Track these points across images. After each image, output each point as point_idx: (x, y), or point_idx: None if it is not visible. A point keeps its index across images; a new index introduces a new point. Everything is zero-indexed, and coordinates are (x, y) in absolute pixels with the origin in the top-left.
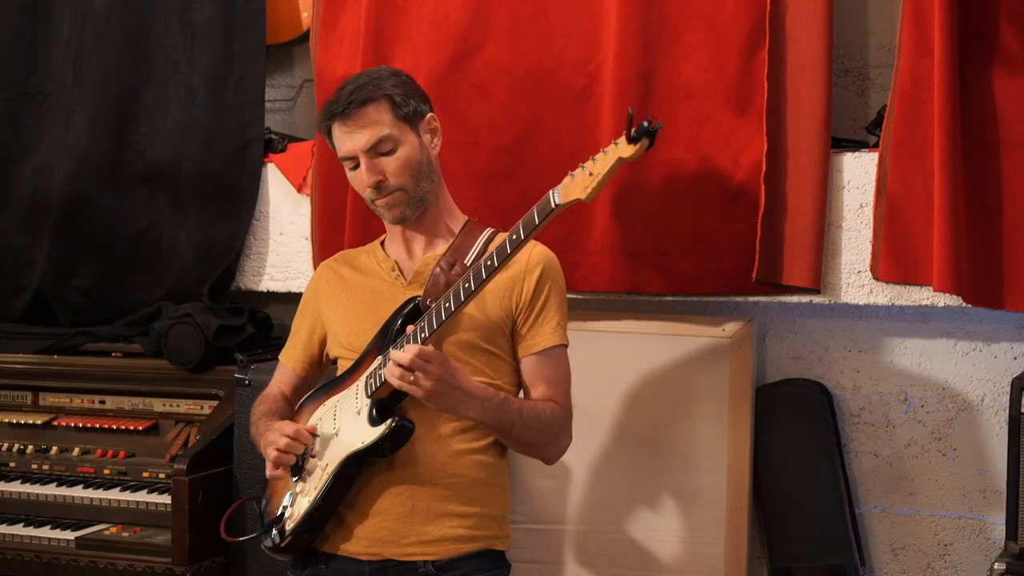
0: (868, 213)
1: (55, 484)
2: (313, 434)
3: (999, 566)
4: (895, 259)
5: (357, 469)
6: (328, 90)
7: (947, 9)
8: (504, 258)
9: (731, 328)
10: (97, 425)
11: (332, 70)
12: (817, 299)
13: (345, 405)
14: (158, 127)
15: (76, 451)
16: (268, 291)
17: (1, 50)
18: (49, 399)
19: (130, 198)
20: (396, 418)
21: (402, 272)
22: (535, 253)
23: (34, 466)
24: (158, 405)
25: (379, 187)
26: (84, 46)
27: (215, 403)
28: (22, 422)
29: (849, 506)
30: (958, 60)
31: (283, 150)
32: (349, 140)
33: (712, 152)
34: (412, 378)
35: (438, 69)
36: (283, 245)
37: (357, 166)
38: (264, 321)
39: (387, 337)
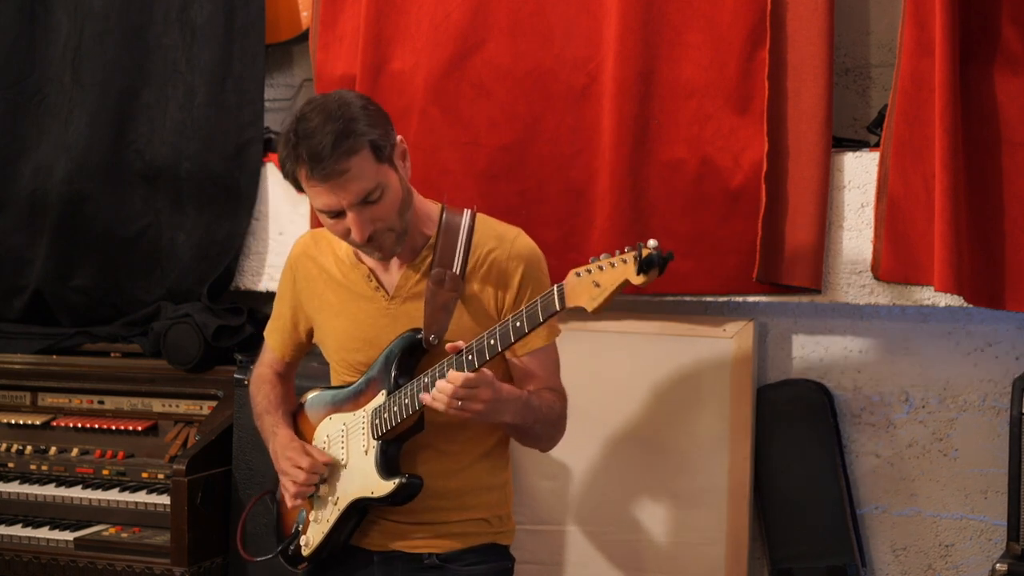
0: (869, 213)
1: (54, 485)
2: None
3: (1001, 567)
4: (896, 259)
5: (366, 508)
6: (329, 90)
7: (948, 8)
8: (507, 345)
9: (732, 328)
10: (96, 426)
11: (332, 69)
12: (818, 299)
13: (353, 435)
14: (157, 127)
15: (75, 451)
16: (267, 291)
17: (0, 50)
18: (48, 399)
19: (129, 198)
20: (405, 476)
21: (381, 284)
22: (514, 252)
23: (33, 467)
24: (157, 405)
25: (370, 237)
26: (83, 46)
27: (214, 403)
28: (21, 422)
29: (850, 507)
30: (959, 60)
31: None
32: (331, 196)
33: (712, 152)
34: (459, 404)
35: (438, 69)
36: (282, 245)
37: (337, 215)
38: (263, 321)
39: (389, 370)
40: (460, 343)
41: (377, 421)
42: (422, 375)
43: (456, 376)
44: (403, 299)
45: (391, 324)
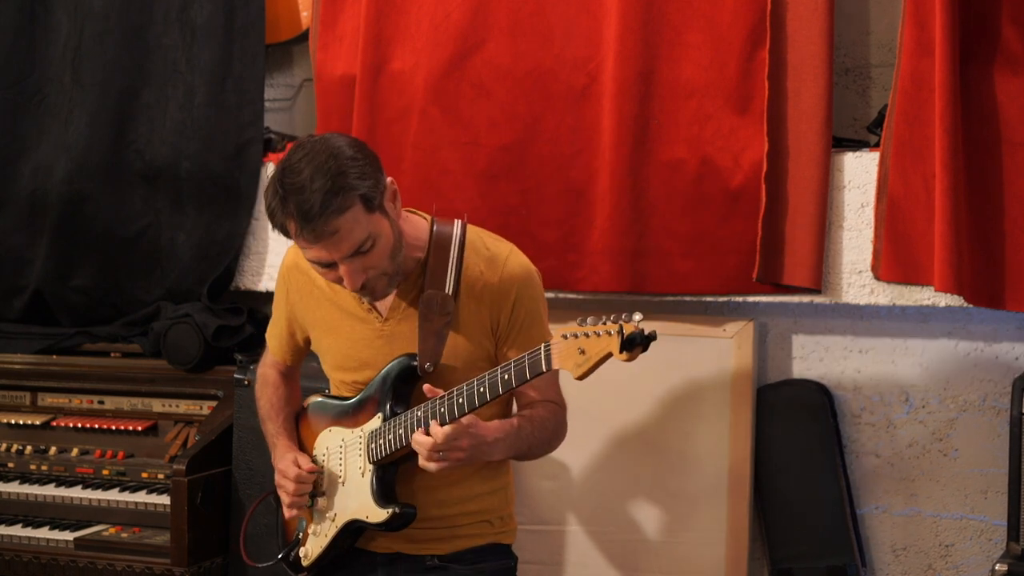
0: (869, 213)
1: (54, 485)
2: (318, 458)
3: (1001, 567)
4: (896, 259)
5: (362, 528)
6: (329, 92)
7: (948, 8)
8: (495, 396)
9: (732, 328)
10: (96, 426)
11: (332, 69)
12: (818, 299)
13: (351, 453)
14: (157, 127)
15: (75, 451)
16: (267, 291)
17: (0, 50)
18: (48, 399)
19: (129, 198)
20: (399, 506)
21: (374, 306)
22: (506, 273)
23: (33, 467)
24: (157, 405)
25: (363, 285)
26: (83, 45)
27: (214, 403)
28: (21, 422)
29: (850, 507)
30: (959, 60)
31: (282, 149)
32: (322, 252)
33: (712, 152)
34: (439, 456)
35: (438, 69)
36: (282, 245)
37: (329, 265)
38: (263, 321)
39: (386, 393)
40: (439, 390)
41: (373, 446)
42: (415, 408)
43: (436, 431)
44: (397, 320)
45: (387, 346)
